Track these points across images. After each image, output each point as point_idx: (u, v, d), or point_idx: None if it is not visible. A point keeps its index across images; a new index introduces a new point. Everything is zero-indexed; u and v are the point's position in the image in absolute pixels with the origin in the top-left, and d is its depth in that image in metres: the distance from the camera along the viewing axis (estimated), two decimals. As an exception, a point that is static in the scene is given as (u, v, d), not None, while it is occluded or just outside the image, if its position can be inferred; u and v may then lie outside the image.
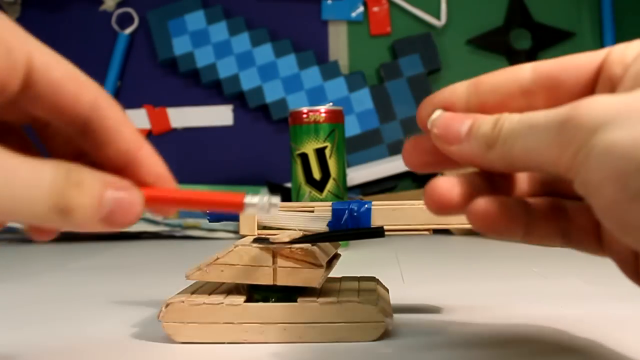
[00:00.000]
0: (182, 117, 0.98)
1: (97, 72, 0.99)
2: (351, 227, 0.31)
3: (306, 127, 0.62)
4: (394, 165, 0.87)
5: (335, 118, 0.63)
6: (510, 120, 0.20)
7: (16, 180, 0.17)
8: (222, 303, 0.29)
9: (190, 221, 0.79)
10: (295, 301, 0.29)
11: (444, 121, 0.22)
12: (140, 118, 0.99)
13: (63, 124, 0.21)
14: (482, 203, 0.20)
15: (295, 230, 0.32)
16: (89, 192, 0.19)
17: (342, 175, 0.64)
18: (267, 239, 0.28)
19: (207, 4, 0.97)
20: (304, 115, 0.62)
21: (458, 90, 0.23)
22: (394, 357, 0.27)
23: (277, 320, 0.28)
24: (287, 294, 0.29)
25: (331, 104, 0.64)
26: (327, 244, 0.31)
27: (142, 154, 0.23)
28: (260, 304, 0.29)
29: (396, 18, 0.96)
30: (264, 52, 0.94)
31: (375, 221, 0.31)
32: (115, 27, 0.99)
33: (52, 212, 0.18)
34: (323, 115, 0.62)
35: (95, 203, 0.19)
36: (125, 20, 1.00)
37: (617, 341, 0.28)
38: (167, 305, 0.29)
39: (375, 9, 0.96)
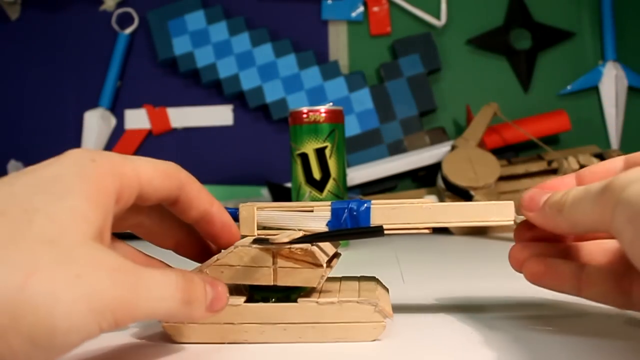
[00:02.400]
0: (182, 117, 0.99)
1: (97, 72, 0.99)
2: (350, 226, 0.31)
3: (306, 127, 0.62)
4: (394, 165, 0.87)
5: (335, 118, 0.63)
6: (575, 190, 0.26)
7: (157, 287, 0.22)
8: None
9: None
10: (295, 301, 0.29)
11: (530, 193, 0.29)
12: (140, 118, 0.99)
13: (162, 206, 0.29)
14: (533, 261, 0.30)
15: (294, 230, 0.32)
16: (199, 286, 0.25)
17: (342, 175, 0.64)
18: (267, 240, 0.28)
19: (207, 4, 0.97)
20: (304, 115, 0.62)
21: (566, 179, 0.30)
22: (394, 357, 0.27)
23: (277, 320, 0.28)
24: (287, 294, 0.29)
25: (331, 104, 0.64)
26: (327, 243, 0.31)
27: (214, 210, 0.29)
28: (260, 304, 0.29)
29: (396, 18, 0.96)
30: (264, 52, 0.94)
31: (375, 220, 0.31)
32: (115, 27, 0.99)
33: (182, 305, 0.23)
34: (323, 115, 0.62)
35: (204, 295, 0.25)
36: (125, 20, 1.00)
37: (617, 341, 0.28)
38: None
39: (375, 9, 0.96)
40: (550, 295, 0.39)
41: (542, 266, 0.30)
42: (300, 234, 0.30)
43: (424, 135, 0.92)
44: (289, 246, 0.28)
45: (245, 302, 0.29)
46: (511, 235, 0.65)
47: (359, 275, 0.34)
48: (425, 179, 0.91)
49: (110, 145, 0.99)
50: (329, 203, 0.32)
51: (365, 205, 0.31)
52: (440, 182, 0.75)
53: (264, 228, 0.32)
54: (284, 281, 0.28)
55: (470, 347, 0.28)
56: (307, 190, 0.62)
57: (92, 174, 0.23)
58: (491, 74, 0.95)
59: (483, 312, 0.34)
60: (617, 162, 0.29)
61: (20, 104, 1.02)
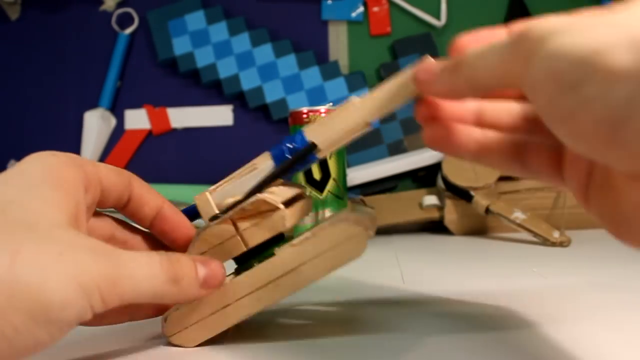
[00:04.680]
0: (182, 117, 0.98)
1: (97, 72, 0.99)
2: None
3: (306, 127, 0.62)
4: (394, 165, 0.87)
5: (335, 118, 0.62)
6: (472, 48, 0.23)
7: (139, 266, 0.23)
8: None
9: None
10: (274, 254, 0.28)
11: (423, 65, 0.26)
12: (140, 118, 0.99)
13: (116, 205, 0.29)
14: (434, 126, 0.27)
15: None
16: (187, 265, 0.25)
17: (342, 175, 0.64)
18: (219, 213, 0.28)
19: (207, 4, 0.97)
20: (304, 116, 0.62)
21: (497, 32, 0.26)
22: (394, 357, 0.27)
23: (267, 280, 0.28)
24: (267, 252, 0.29)
25: (331, 104, 0.64)
26: (283, 187, 0.31)
27: (165, 205, 0.30)
28: (244, 272, 0.28)
29: (396, 18, 0.96)
30: (264, 52, 0.94)
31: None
32: (115, 27, 0.99)
33: (168, 282, 0.24)
34: (323, 115, 0.62)
35: (193, 273, 0.26)
36: (125, 20, 1.00)
37: (618, 341, 0.28)
38: (166, 319, 0.29)
39: (375, 9, 0.96)
40: (550, 295, 0.39)
41: (443, 131, 0.27)
42: (242, 194, 0.30)
43: (424, 135, 0.92)
44: (239, 207, 0.28)
45: (231, 279, 0.29)
46: (511, 235, 0.65)
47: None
48: (425, 179, 0.91)
49: (110, 146, 0.99)
50: (267, 153, 0.31)
51: (298, 134, 0.30)
52: (440, 182, 0.75)
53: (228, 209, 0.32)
54: (254, 240, 0.28)
55: (471, 347, 0.28)
56: (307, 190, 0.62)
57: (55, 165, 0.25)
58: (491, 74, 0.95)
59: (483, 312, 0.34)
60: (500, 32, 0.25)
61: (20, 104, 1.02)
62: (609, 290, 0.39)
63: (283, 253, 0.28)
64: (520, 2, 0.94)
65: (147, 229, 0.31)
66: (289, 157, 0.30)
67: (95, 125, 0.98)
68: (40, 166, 0.24)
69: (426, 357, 0.26)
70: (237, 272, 0.30)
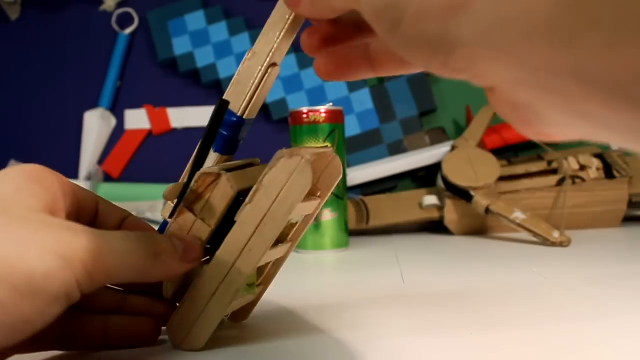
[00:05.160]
0: (182, 117, 0.98)
1: (97, 72, 0.99)
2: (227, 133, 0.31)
3: (306, 127, 0.62)
4: (394, 165, 0.87)
5: (335, 118, 0.63)
6: None
7: (119, 242, 0.23)
8: (194, 284, 0.28)
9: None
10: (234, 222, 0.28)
11: None
12: (140, 118, 0.99)
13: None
14: (321, 60, 0.27)
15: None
16: (163, 241, 0.26)
17: (342, 176, 0.64)
18: (175, 205, 0.29)
19: (207, 4, 0.97)
20: (304, 116, 0.62)
21: None
22: (394, 357, 0.27)
23: (239, 249, 0.28)
24: (230, 217, 0.28)
25: (331, 104, 0.64)
26: (213, 157, 0.31)
27: (130, 214, 0.30)
28: (217, 252, 0.28)
29: (396, 18, 0.96)
30: (264, 52, 0.94)
31: (234, 107, 0.30)
32: (115, 27, 0.99)
33: (149, 258, 0.24)
34: (323, 115, 0.62)
35: (171, 247, 0.26)
36: (125, 20, 1.00)
37: (618, 341, 0.28)
38: (169, 330, 0.29)
39: (375, 9, 0.96)
40: (550, 295, 0.39)
41: (331, 64, 0.28)
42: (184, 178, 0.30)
43: (424, 136, 0.92)
44: (188, 191, 0.28)
45: (207, 264, 0.28)
46: (511, 235, 0.65)
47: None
48: (425, 179, 0.91)
49: (110, 146, 0.99)
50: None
51: (218, 102, 0.30)
52: (440, 182, 0.75)
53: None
54: (214, 217, 0.28)
55: (471, 347, 0.28)
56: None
57: (35, 168, 0.25)
58: (491, 74, 0.95)
59: (483, 312, 0.34)
60: None
61: (20, 104, 1.02)
62: (609, 290, 0.39)
63: (242, 216, 0.27)
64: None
65: None
66: (222, 131, 0.30)
67: (95, 125, 0.98)
68: (20, 168, 0.25)
69: (426, 357, 0.26)
70: (209, 255, 0.29)
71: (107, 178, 0.98)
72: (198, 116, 0.98)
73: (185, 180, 0.28)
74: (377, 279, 0.46)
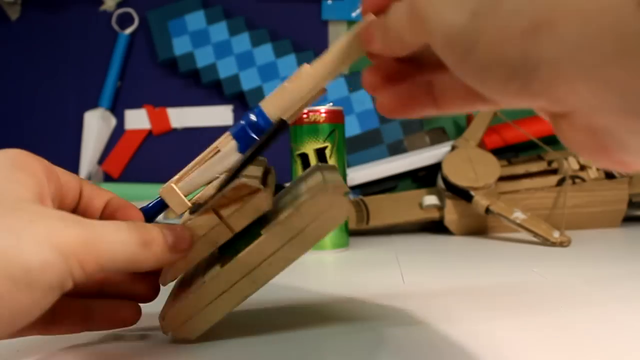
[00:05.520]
0: (182, 117, 0.98)
1: (97, 72, 0.99)
2: (258, 137, 0.30)
3: (306, 127, 0.62)
4: (394, 165, 0.87)
5: (335, 118, 0.63)
6: (395, 3, 0.24)
7: (110, 231, 0.23)
8: (204, 282, 0.28)
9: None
10: (260, 235, 0.28)
11: (366, 24, 0.26)
12: (140, 118, 0.99)
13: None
14: (384, 96, 0.27)
15: (218, 177, 0.31)
16: (154, 230, 0.26)
17: (342, 175, 0.64)
18: (199, 203, 0.28)
19: (207, 4, 0.97)
20: (304, 116, 0.62)
21: None
22: (393, 357, 0.27)
23: (259, 261, 0.28)
24: (251, 233, 0.29)
25: (331, 104, 0.64)
26: (250, 167, 0.31)
27: (114, 196, 0.30)
28: (235, 257, 0.28)
29: (396, 18, 0.96)
30: (264, 52, 0.94)
31: (274, 117, 0.30)
32: (115, 27, 0.99)
33: (139, 246, 0.24)
34: (323, 115, 0.62)
35: (162, 237, 0.26)
36: (125, 20, 1.00)
37: (617, 341, 0.28)
38: (163, 318, 0.29)
39: (375, 9, 0.96)
40: (550, 295, 0.39)
41: (393, 99, 0.27)
42: (223, 177, 0.30)
43: (424, 135, 0.92)
44: (220, 195, 0.28)
45: (222, 266, 0.28)
46: (511, 235, 0.65)
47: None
48: (425, 179, 0.91)
49: (110, 146, 0.99)
50: (228, 133, 0.30)
51: (256, 109, 0.30)
52: (440, 182, 0.75)
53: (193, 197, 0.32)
54: (239, 225, 0.28)
55: (471, 347, 0.28)
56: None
57: (18, 154, 0.25)
58: (491, 74, 0.95)
59: (483, 312, 0.34)
60: None
61: (20, 104, 1.02)
62: (609, 290, 0.39)
63: (271, 231, 0.28)
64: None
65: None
66: (254, 135, 0.30)
67: (95, 125, 0.98)
68: (3, 155, 0.25)
69: (426, 357, 0.26)
70: (222, 258, 0.29)
71: (107, 178, 0.98)
72: (198, 116, 0.98)
73: (219, 186, 0.28)
74: (377, 279, 0.46)
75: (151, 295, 0.31)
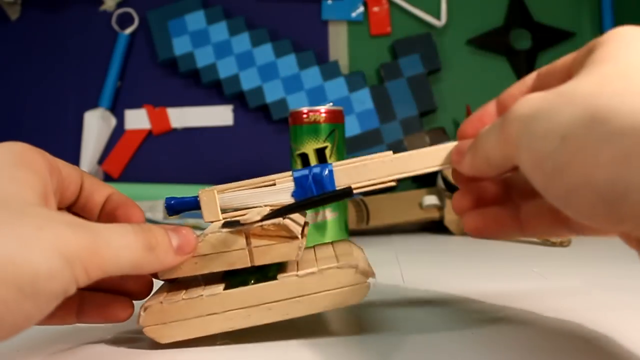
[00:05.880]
0: (182, 117, 0.98)
1: (97, 72, 0.99)
2: (316, 193, 0.30)
3: (306, 127, 0.62)
4: (394, 165, 0.87)
5: (335, 118, 0.63)
6: (485, 128, 0.25)
7: (116, 236, 0.23)
8: (202, 295, 0.28)
9: (191, 221, 0.79)
10: (275, 278, 0.28)
11: (458, 145, 0.28)
12: (140, 118, 0.99)
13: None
14: (471, 217, 0.29)
15: (260, 206, 0.31)
16: (159, 233, 0.26)
17: (342, 175, 0.64)
18: (237, 221, 0.27)
19: (207, 4, 0.97)
20: (304, 116, 0.62)
21: (488, 107, 0.29)
22: (393, 357, 0.27)
23: (261, 301, 0.28)
24: (264, 272, 0.28)
25: (331, 104, 0.64)
26: (296, 214, 0.30)
27: (114, 191, 0.31)
28: (241, 288, 0.28)
29: (396, 18, 0.96)
30: (264, 52, 0.94)
31: (340, 182, 0.30)
32: (115, 27, 0.99)
33: (145, 250, 0.24)
34: (323, 115, 0.62)
35: (167, 240, 0.26)
36: (125, 20, 1.00)
37: (617, 341, 0.28)
38: (145, 309, 0.28)
39: (376, 9, 0.96)
40: (550, 295, 0.39)
41: (480, 221, 0.29)
42: (267, 209, 0.29)
43: (424, 135, 0.92)
44: (260, 224, 0.27)
45: (225, 289, 0.28)
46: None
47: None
48: (425, 179, 0.91)
49: (110, 146, 0.99)
50: (289, 173, 0.31)
51: (327, 169, 0.30)
52: (440, 182, 0.75)
53: (225, 211, 0.31)
54: (261, 260, 0.28)
55: (471, 347, 0.28)
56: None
57: (21, 150, 0.25)
58: (491, 74, 0.95)
59: (483, 312, 0.34)
60: (530, 77, 0.28)
61: (20, 104, 1.02)
62: (609, 290, 0.39)
63: (286, 281, 0.28)
64: (520, 2, 0.94)
65: (97, 218, 0.31)
66: (313, 188, 0.30)
67: (95, 125, 0.98)
68: (6, 150, 0.25)
69: (426, 357, 0.26)
70: (228, 282, 0.29)
71: (107, 178, 0.98)
72: (198, 116, 0.98)
73: (266, 214, 0.28)
74: (377, 279, 0.46)
75: (144, 293, 0.31)
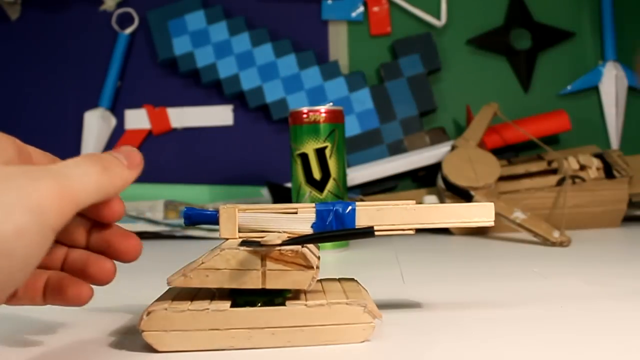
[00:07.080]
0: (182, 117, 0.98)
1: (97, 72, 0.99)
2: (335, 228, 0.31)
3: (306, 127, 0.62)
4: (394, 165, 0.87)
5: (335, 118, 0.63)
6: None
7: (74, 169, 0.24)
8: (208, 309, 0.28)
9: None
10: (283, 304, 0.28)
11: None
12: (140, 118, 0.99)
13: None
14: None
15: (279, 232, 0.31)
16: (105, 155, 0.27)
17: (342, 175, 0.64)
18: (257, 242, 0.27)
19: (207, 4, 0.97)
20: (304, 115, 0.62)
21: None
22: (393, 356, 0.27)
23: (266, 324, 0.28)
24: (272, 297, 0.28)
25: (331, 104, 0.64)
26: (312, 245, 0.31)
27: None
28: (248, 308, 0.28)
29: (396, 18, 0.96)
30: (264, 52, 0.94)
31: (360, 221, 0.31)
32: (115, 27, 0.99)
33: (103, 172, 0.25)
34: (323, 115, 0.62)
35: (116, 159, 0.27)
36: (125, 20, 1.00)
37: (617, 341, 0.28)
38: (148, 314, 0.28)
39: (376, 9, 0.96)
40: (550, 295, 0.39)
41: None
42: (286, 236, 0.30)
43: (424, 135, 0.92)
44: (279, 248, 0.27)
45: (231, 306, 0.28)
46: (511, 235, 0.65)
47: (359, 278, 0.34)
48: (425, 179, 0.91)
49: (110, 145, 0.99)
50: (312, 205, 0.31)
51: (350, 207, 0.31)
52: (440, 182, 0.75)
53: (241, 230, 0.31)
54: (273, 284, 0.28)
55: (471, 347, 0.28)
56: (307, 190, 0.62)
57: None
58: (491, 74, 0.95)
59: (483, 312, 0.34)
60: None
61: (20, 104, 1.02)
62: (609, 290, 0.39)
63: (294, 309, 0.28)
64: (520, 2, 0.94)
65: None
66: (333, 220, 0.31)
67: (95, 125, 0.98)
68: None
69: (426, 357, 0.26)
70: (234, 297, 0.29)
71: (107, 178, 0.98)
72: (198, 116, 0.98)
73: (286, 240, 0.28)
74: (377, 279, 0.46)
75: (105, 279, 0.30)
